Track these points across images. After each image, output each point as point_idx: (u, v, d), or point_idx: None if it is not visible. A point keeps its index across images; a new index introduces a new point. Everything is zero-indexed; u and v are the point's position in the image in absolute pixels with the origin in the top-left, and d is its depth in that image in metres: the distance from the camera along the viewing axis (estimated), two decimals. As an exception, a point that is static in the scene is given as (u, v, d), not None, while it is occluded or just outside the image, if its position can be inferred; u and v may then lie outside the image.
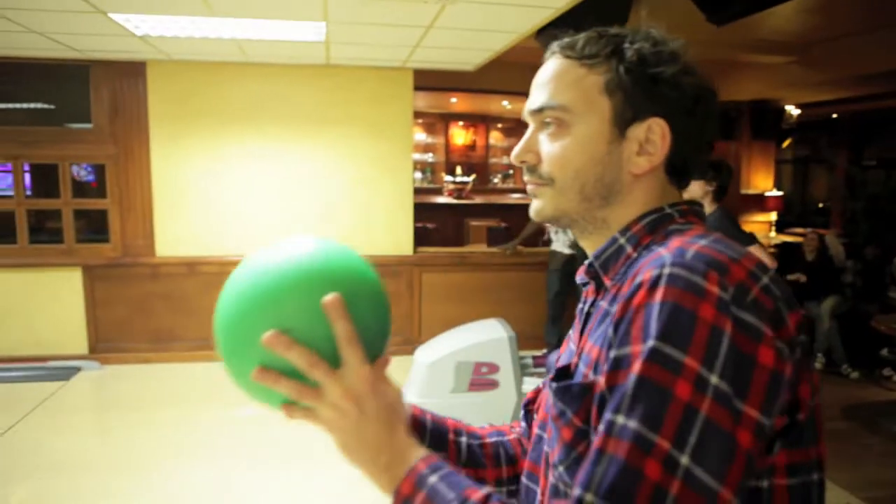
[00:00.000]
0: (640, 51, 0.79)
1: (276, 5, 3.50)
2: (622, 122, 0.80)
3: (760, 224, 9.27)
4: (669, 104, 0.79)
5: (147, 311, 5.29)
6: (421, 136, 9.99)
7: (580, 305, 0.89)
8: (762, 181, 9.68)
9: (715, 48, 5.83)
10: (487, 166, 10.29)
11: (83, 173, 6.92)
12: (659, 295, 0.65)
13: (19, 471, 3.50)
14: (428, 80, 5.97)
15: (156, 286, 5.29)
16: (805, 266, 5.98)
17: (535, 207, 0.86)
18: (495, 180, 10.35)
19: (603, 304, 0.79)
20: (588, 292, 0.87)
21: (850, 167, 9.66)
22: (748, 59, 6.53)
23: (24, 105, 5.62)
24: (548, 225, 4.12)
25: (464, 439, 0.98)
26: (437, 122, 10.20)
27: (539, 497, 0.84)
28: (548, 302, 5.30)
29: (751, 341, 0.63)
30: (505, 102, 9.31)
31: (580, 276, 0.87)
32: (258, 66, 5.19)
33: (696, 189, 3.49)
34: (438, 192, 9.51)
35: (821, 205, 10.74)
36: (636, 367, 0.64)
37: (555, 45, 0.85)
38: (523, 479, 0.90)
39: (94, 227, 5.53)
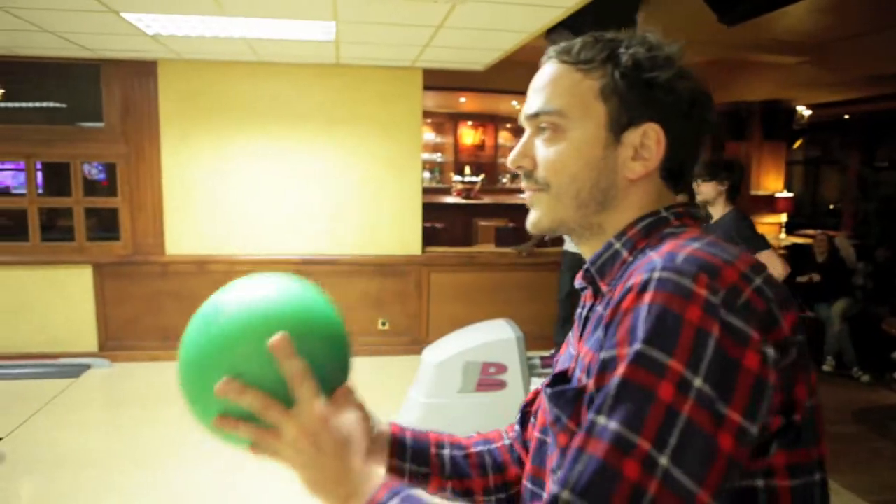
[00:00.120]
0: (635, 56, 0.79)
1: (286, 5, 3.50)
2: (617, 127, 0.80)
3: (770, 225, 9.22)
4: (665, 109, 0.79)
5: (156, 309, 5.32)
6: (430, 135, 10.00)
7: (579, 310, 0.89)
8: (773, 182, 9.63)
9: (726, 48, 5.80)
10: (496, 166, 10.28)
11: (94, 172, 6.97)
12: (647, 298, 0.65)
13: (29, 466, 3.53)
14: (437, 80, 5.97)
15: (165, 284, 5.32)
16: (816, 268, 5.94)
17: (532, 218, 0.87)
18: (504, 180, 10.34)
19: (599, 308, 0.80)
20: (587, 297, 0.88)
21: (861, 168, 9.60)
22: (760, 59, 6.49)
23: (37, 104, 5.66)
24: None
25: (446, 451, 0.98)
26: (447, 121, 10.21)
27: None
28: (558, 302, 5.29)
29: (737, 345, 0.63)
30: (514, 102, 9.30)
31: (578, 282, 0.87)
32: (268, 66, 5.21)
33: (708, 190, 3.47)
34: (447, 191, 9.51)
35: (832, 206, 10.67)
36: (621, 369, 0.64)
37: (551, 50, 0.85)
38: (527, 484, 0.90)
39: (105, 225, 5.57)
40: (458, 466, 0.98)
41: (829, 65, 6.29)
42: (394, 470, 0.95)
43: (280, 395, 0.73)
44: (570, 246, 5.22)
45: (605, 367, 0.66)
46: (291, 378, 0.73)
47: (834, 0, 4.56)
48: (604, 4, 3.34)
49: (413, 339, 5.56)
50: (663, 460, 0.60)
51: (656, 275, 0.66)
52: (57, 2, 3.47)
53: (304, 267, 5.40)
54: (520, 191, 0.94)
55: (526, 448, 0.98)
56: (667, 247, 0.71)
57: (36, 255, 5.22)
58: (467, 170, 9.85)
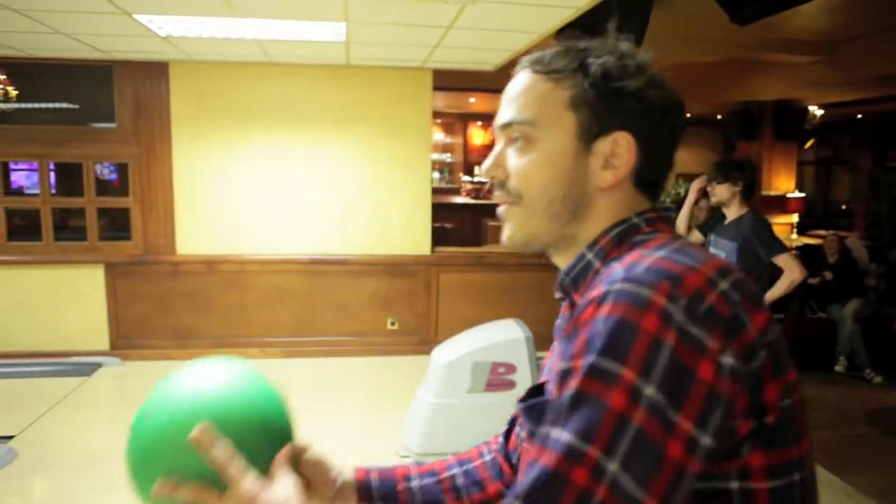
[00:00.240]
0: (604, 65, 0.79)
1: (297, 6, 3.52)
2: (588, 136, 0.80)
3: (782, 226, 9.16)
4: (635, 117, 0.79)
5: (167, 308, 5.35)
6: (439, 135, 10.01)
7: (557, 321, 0.90)
8: (784, 182, 9.57)
9: (738, 48, 5.78)
10: (505, 166, 10.26)
11: (106, 172, 7.02)
12: (605, 310, 0.66)
13: (41, 463, 3.56)
14: (447, 81, 5.97)
15: (176, 284, 5.35)
16: (827, 269, 5.91)
17: (506, 234, 0.87)
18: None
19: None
20: (564, 308, 0.88)
21: (873, 168, 9.53)
22: (771, 59, 6.45)
23: (50, 105, 5.71)
24: None
25: (415, 483, 0.99)
26: (456, 122, 10.21)
27: None
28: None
29: (693, 354, 0.63)
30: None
31: (557, 293, 0.87)
32: (279, 67, 5.23)
33: (723, 192, 3.45)
34: (456, 192, 9.52)
35: (843, 207, 10.60)
36: (575, 381, 0.65)
37: (524, 60, 0.85)
38: None
39: (117, 225, 5.61)
40: (431, 494, 0.98)
41: (841, 64, 6.25)
42: None
43: (216, 480, 0.77)
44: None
45: (562, 378, 0.67)
46: (217, 466, 0.76)
47: (846, -1, 4.54)
48: (616, 5, 3.33)
49: (422, 339, 5.56)
50: (612, 466, 0.61)
51: (616, 286, 0.67)
52: (70, 4, 3.50)
53: (313, 266, 5.42)
54: None
55: (509, 460, 0.98)
56: (631, 257, 0.72)
57: (49, 255, 5.26)
58: (477, 170, 9.85)
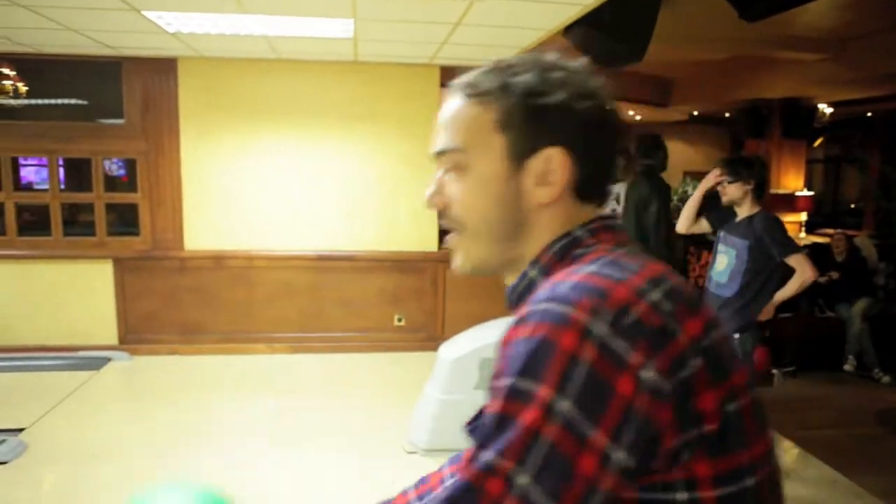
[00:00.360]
0: (525, 83, 0.78)
1: (305, 2, 3.52)
2: (518, 156, 0.79)
3: (790, 225, 9.12)
4: (564, 131, 0.78)
5: (175, 303, 5.38)
6: (446, 132, 10.00)
7: None
8: (792, 181, 9.52)
9: (746, 45, 5.75)
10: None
11: (115, 168, 7.06)
12: (527, 331, 0.65)
13: (51, 456, 3.59)
14: (455, 77, 5.95)
15: (184, 279, 5.37)
16: (836, 268, 5.88)
17: (455, 263, 0.87)
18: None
19: None
20: None
21: (883, 167, 9.47)
22: (780, 56, 6.43)
23: (59, 101, 5.74)
24: None
25: None
26: (463, 118, 10.19)
27: None
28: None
29: (612, 368, 0.62)
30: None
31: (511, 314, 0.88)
32: (287, 63, 5.24)
33: (734, 191, 3.41)
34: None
35: (852, 205, 10.54)
36: (496, 403, 0.65)
37: (454, 83, 0.85)
38: None
39: (125, 220, 5.64)
40: None
41: (849, 62, 6.21)
42: None
43: None
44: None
45: (488, 397, 0.68)
46: None
47: (856, -4, 4.51)
48: (624, 3, 3.31)
49: (429, 336, 5.57)
50: (523, 479, 0.61)
51: (540, 306, 0.66)
52: (80, 0, 3.52)
53: (321, 262, 5.43)
54: None
55: None
56: (559, 276, 0.72)
57: (58, 250, 5.29)
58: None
